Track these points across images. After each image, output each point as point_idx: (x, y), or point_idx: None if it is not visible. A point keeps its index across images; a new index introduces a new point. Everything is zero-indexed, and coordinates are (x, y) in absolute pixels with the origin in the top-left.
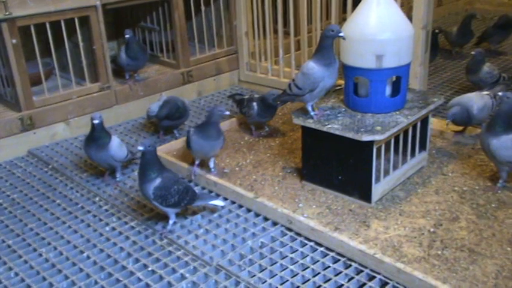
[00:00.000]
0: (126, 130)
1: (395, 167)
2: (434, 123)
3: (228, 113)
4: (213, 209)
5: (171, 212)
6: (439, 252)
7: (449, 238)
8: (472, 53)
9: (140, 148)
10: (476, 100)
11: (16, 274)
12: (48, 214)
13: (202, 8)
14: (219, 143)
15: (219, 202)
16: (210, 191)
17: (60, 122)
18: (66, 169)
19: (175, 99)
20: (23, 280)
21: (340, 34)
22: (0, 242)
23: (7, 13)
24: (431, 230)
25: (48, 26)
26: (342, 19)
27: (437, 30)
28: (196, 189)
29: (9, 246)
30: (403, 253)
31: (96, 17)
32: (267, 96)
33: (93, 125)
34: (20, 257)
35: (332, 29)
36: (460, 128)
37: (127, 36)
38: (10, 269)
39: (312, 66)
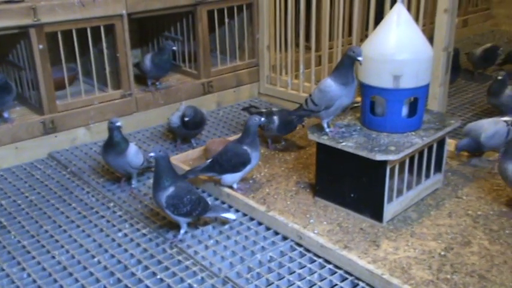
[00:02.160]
0: (144, 137)
1: (409, 188)
2: (452, 145)
3: (264, 119)
4: (225, 221)
5: (183, 221)
6: (448, 277)
7: (459, 263)
8: (501, 72)
9: (151, 154)
10: (486, 128)
11: (28, 275)
12: (63, 217)
13: (226, 20)
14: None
15: (230, 215)
16: (223, 203)
17: (81, 126)
18: (83, 173)
19: (195, 109)
20: (34, 281)
21: (359, 58)
22: (16, 242)
23: (36, 19)
24: (442, 253)
25: (74, 32)
26: (365, 36)
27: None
28: (209, 200)
29: (24, 246)
30: (411, 275)
31: (122, 25)
32: (290, 113)
33: (111, 130)
34: (34, 258)
35: (353, 50)
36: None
37: (174, 48)
38: (23, 269)
39: (330, 84)
